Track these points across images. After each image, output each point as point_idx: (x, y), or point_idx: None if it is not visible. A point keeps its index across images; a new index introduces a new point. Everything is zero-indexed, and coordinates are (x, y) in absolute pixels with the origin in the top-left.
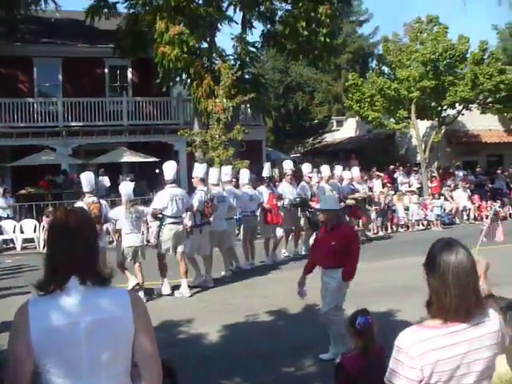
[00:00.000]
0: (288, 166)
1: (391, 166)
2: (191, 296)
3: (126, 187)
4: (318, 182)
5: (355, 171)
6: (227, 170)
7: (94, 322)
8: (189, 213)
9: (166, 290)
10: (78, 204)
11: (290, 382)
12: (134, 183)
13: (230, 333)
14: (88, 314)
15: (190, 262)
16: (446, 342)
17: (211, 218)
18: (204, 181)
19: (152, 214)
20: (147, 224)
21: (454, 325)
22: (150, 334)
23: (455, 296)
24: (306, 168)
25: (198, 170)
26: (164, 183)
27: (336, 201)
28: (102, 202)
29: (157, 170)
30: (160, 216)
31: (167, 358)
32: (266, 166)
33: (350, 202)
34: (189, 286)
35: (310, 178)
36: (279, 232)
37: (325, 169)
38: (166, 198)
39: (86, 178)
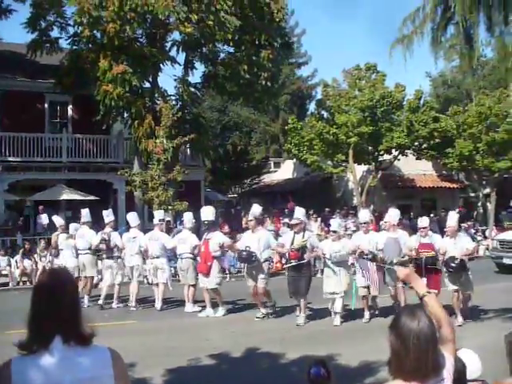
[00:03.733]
0: (255, 210)
1: (326, 209)
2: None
3: (74, 226)
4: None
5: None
6: (157, 214)
7: (75, 382)
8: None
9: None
10: (54, 234)
11: None
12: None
13: (173, 377)
14: (70, 373)
15: None
16: None
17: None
18: (108, 224)
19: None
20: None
21: None
22: None
23: (414, 359)
24: (257, 209)
25: (104, 215)
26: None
27: None
28: (62, 235)
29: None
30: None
31: None
32: (206, 209)
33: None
34: None
35: (295, 225)
36: (204, 282)
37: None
38: (76, 236)
39: (57, 219)
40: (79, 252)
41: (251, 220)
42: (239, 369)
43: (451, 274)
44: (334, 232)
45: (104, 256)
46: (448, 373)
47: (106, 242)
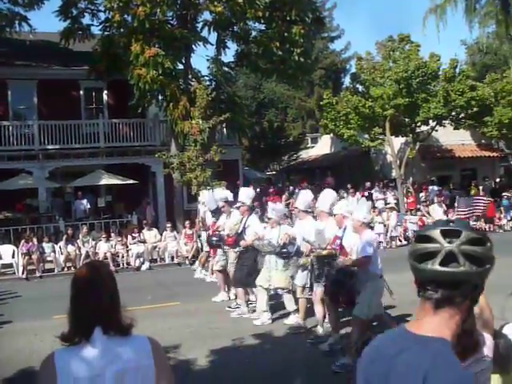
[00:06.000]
0: (220, 196)
1: (367, 183)
2: None
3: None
4: None
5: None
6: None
7: (119, 372)
8: None
9: None
10: None
11: None
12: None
13: (217, 358)
14: (113, 364)
15: None
16: None
17: None
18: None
19: None
20: None
21: None
22: (169, 379)
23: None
24: (221, 194)
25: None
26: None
27: None
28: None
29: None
30: None
31: None
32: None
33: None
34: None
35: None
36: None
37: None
38: None
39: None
40: None
41: (223, 206)
42: (283, 347)
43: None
44: (269, 219)
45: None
46: (489, 350)
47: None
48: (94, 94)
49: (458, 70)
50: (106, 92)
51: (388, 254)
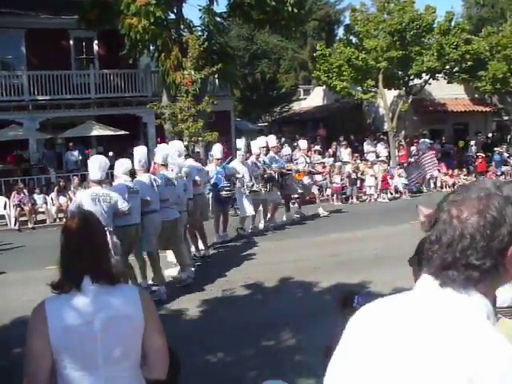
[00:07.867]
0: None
1: (351, 136)
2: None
3: None
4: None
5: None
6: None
7: (107, 320)
8: None
9: None
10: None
11: (270, 355)
12: None
13: (208, 308)
14: (102, 312)
15: None
16: None
17: None
18: None
19: None
20: None
21: None
22: (158, 329)
23: None
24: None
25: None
26: None
27: None
28: None
29: None
30: None
31: (172, 348)
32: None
33: None
34: None
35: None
36: None
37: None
38: None
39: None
40: None
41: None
42: (273, 298)
43: None
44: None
45: None
46: None
47: None
48: (84, 43)
49: (453, 23)
50: (96, 42)
51: (378, 206)
